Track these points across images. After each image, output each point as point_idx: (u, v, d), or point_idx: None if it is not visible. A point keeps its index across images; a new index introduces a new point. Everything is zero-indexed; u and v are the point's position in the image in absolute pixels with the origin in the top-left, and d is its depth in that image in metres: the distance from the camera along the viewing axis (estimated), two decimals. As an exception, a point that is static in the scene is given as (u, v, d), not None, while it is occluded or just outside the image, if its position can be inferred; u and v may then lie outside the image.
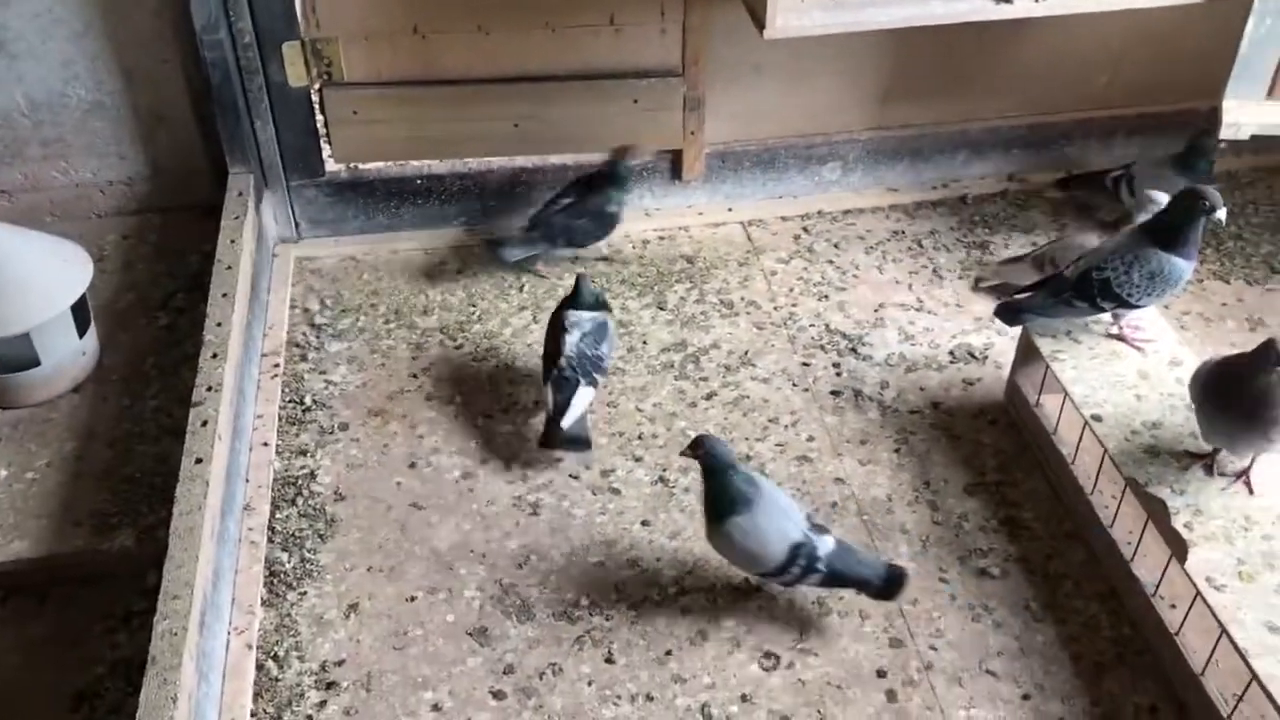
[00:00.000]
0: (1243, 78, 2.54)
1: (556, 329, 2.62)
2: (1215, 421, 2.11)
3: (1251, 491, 2.12)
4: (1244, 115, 2.58)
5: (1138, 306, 2.39)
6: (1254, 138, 2.66)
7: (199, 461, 2.20)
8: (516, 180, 3.20)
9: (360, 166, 3.18)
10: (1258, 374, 1.99)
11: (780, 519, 2.17)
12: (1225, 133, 2.58)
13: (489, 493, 2.51)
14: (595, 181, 3.01)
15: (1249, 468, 2.15)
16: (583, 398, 2.55)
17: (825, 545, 2.17)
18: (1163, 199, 2.48)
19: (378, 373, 2.80)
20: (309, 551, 2.39)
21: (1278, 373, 1.96)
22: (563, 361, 2.55)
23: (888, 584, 2.19)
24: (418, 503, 2.49)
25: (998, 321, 2.60)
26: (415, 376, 2.79)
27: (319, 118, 3.06)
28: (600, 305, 2.66)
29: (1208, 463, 2.17)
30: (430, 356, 2.84)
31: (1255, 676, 1.88)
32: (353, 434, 2.65)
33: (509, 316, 2.96)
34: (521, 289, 3.04)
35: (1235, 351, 2.12)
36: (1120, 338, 2.46)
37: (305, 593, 2.31)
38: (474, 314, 2.97)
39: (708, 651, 2.20)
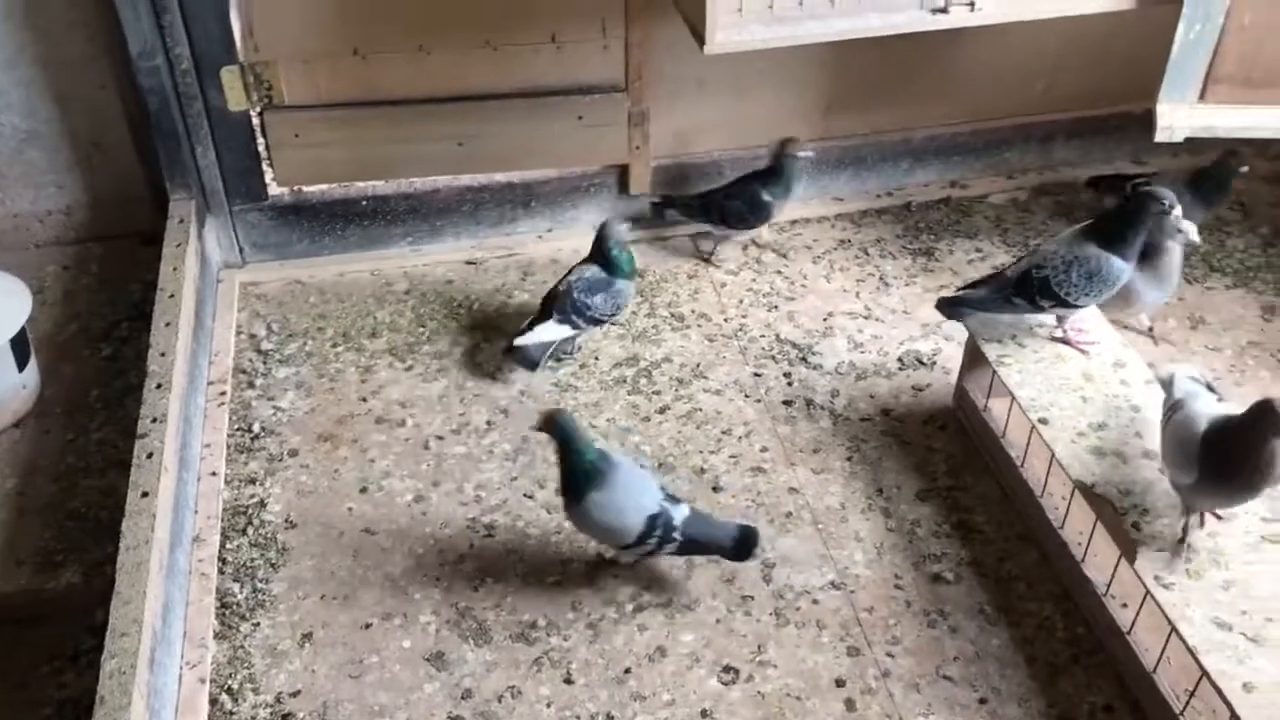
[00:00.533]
0: (1175, 82, 2.58)
1: (567, 272, 2.84)
2: (1209, 490, 2.00)
3: (1220, 518, 2.09)
4: (1177, 118, 2.62)
5: (1076, 306, 2.42)
6: (1188, 140, 2.71)
7: (145, 495, 2.17)
8: (463, 199, 3.19)
9: (304, 189, 3.16)
10: (1262, 441, 1.88)
11: (636, 492, 2.23)
12: (1159, 136, 2.62)
13: (442, 515, 2.49)
14: (763, 172, 3.11)
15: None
16: (549, 329, 2.74)
17: (680, 513, 2.24)
18: (1191, 229, 2.49)
19: (326, 397, 2.77)
20: (261, 581, 2.35)
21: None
22: (551, 292, 2.80)
23: (740, 544, 2.27)
24: (370, 528, 2.47)
25: (944, 327, 2.62)
26: (365, 400, 2.77)
27: (260, 141, 3.03)
28: (612, 265, 2.80)
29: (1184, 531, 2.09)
30: (379, 379, 2.82)
31: (1205, 672, 1.90)
32: (302, 460, 2.62)
33: (458, 336, 2.94)
34: (470, 308, 3.03)
35: (1219, 412, 2.03)
36: (1065, 341, 2.49)
37: (258, 623, 2.28)
38: (423, 335, 2.95)
39: (667, 668, 2.20)
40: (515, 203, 3.22)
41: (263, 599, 2.32)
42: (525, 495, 2.53)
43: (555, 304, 2.78)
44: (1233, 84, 2.59)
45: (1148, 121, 2.64)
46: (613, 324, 2.93)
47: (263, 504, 2.52)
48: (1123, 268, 2.37)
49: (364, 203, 3.15)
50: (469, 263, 3.18)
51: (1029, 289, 2.41)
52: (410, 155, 3.09)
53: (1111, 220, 2.40)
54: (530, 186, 3.21)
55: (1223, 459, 1.94)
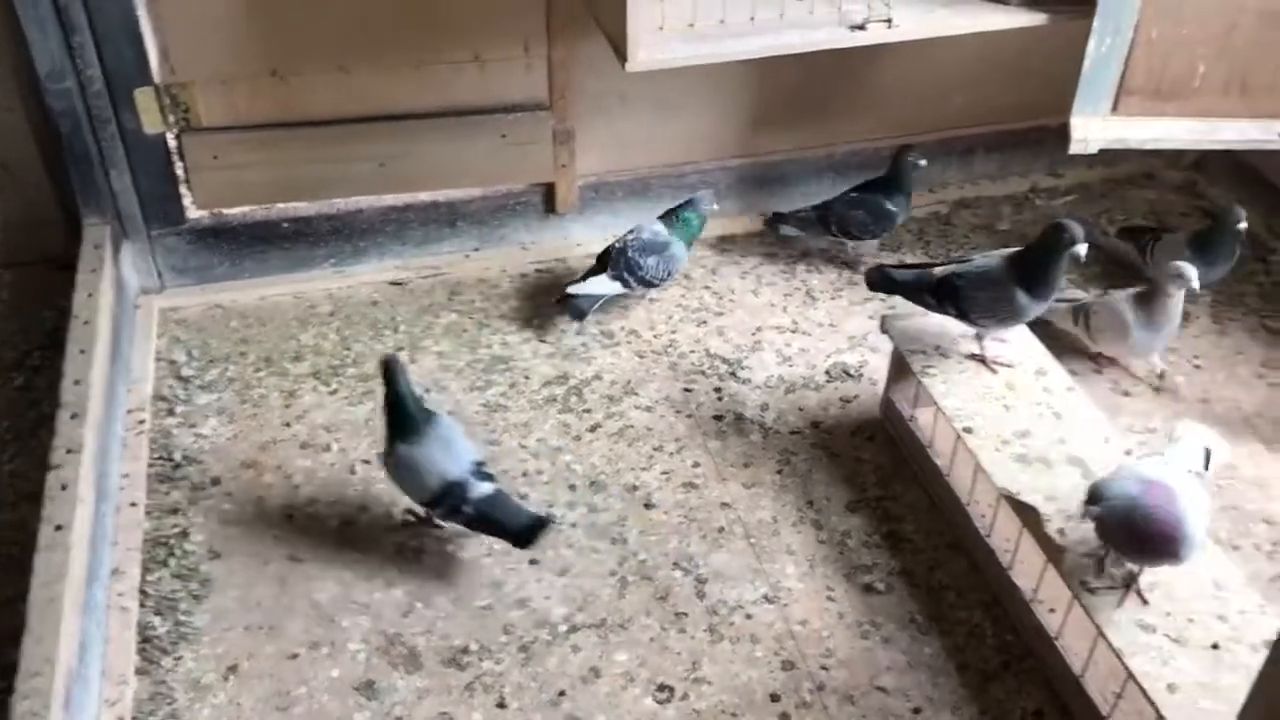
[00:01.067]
0: (1088, 95, 2.64)
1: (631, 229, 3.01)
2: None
3: (1145, 602, 2.03)
4: (1091, 131, 2.68)
5: (976, 325, 2.46)
6: (1102, 152, 2.77)
7: (59, 528, 2.10)
8: (387, 219, 3.15)
9: (224, 212, 3.10)
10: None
11: (443, 456, 2.30)
12: (1074, 148, 2.67)
13: (370, 541, 2.45)
14: (881, 180, 3.14)
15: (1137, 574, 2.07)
16: (601, 283, 2.91)
17: (480, 489, 2.30)
18: (1190, 273, 2.56)
19: (249, 423, 2.72)
20: (184, 614, 2.29)
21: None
22: (609, 247, 2.96)
23: (524, 531, 2.30)
24: (296, 555, 2.42)
25: (870, 339, 2.63)
26: (288, 425, 2.71)
27: (178, 164, 2.97)
28: (677, 225, 2.97)
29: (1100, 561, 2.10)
30: (304, 404, 2.77)
31: (1131, 674, 1.93)
32: (226, 488, 2.56)
33: (385, 358, 2.90)
34: (396, 329, 2.99)
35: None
36: (979, 358, 2.51)
37: (181, 657, 2.22)
38: (348, 357, 2.90)
39: (601, 688, 2.18)
40: (440, 222, 3.19)
41: (186, 632, 2.26)
42: (455, 518, 2.50)
43: (610, 260, 2.93)
44: (1143, 96, 2.66)
45: (1063, 134, 2.69)
46: (665, 288, 3.06)
47: (185, 534, 2.45)
48: (1026, 303, 2.40)
49: (285, 225, 3.10)
50: (394, 283, 3.15)
51: (942, 291, 2.45)
52: (333, 176, 3.05)
53: (1027, 253, 2.44)
54: (455, 206, 3.18)
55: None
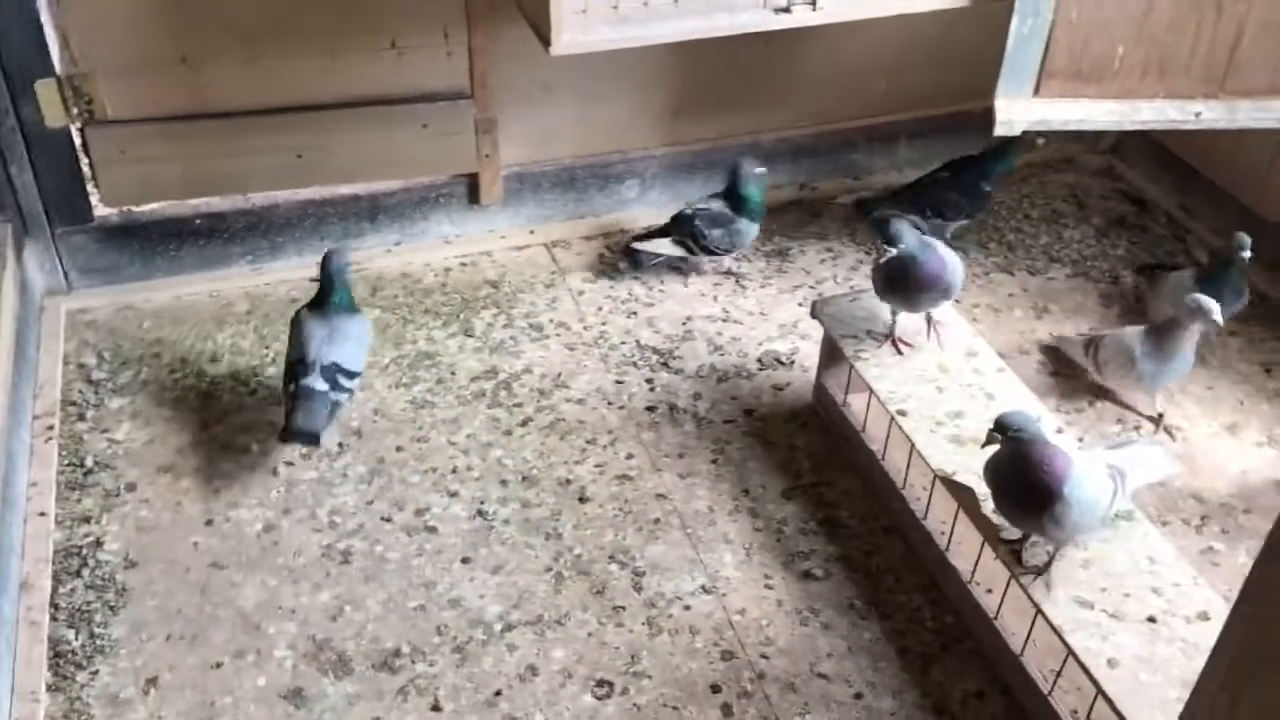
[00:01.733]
0: (1011, 77, 2.65)
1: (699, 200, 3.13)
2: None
3: (1047, 589, 2.02)
4: (1014, 113, 2.69)
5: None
6: (1024, 134, 2.78)
7: (-39, 540, 1.99)
8: (304, 214, 3.06)
9: (133, 209, 2.98)
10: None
11: (321, 338, 2.46)
12: (998, 130, 2.68)
13: (295, 544, 2.37)
14: (975, 159, 3.13)
15: (1049, 563, 2.05)
16: (665, 245, 3.06)
17: (311, 381, 2.41)
18: (1210, 305, 2.48)
19: (165, 427, 2.61)
20: (99, 626, 2.19)
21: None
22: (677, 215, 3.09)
23: (294, 432, 2.40)
24: (218, 562, 2.33)
25: (801, 326, 2.61)
26: (207, 427, 2.62)
27: (83, 159, 2.85)
28: (740, 202, 3.03)
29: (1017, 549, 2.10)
30: (222, 405, 2.67)
31: (1070, 651, 1.93)
32: (141, 494, 2.46)
33: (306, 356, 2.81)
34: (318, 327, 2.90)
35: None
36: (890, 338, 2.50)
37: (97, 671, 2.12)
38: (267, 356, 2.81)
39: (539, 687, 2.13)
40: (361, 216, 3.11)
41: (101, 645, 2.16)
42: (383, 518, 2.43)
43: (676, 226, 3.05)
44: (1065, 78, 2.67)
45: (987, 120, 2.70)
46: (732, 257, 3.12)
47: (99, 543, 2.35)
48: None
49: (199, 221, 3.00)
50: (314, 280, 3.03)
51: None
52: (247, 169, 2.95)
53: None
54: (376, 198, 3.10)
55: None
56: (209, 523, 2.41)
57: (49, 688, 2.08)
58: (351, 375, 2.49)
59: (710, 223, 2.99)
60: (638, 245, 3.08)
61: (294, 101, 2.88)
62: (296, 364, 2.45)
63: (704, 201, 3.07)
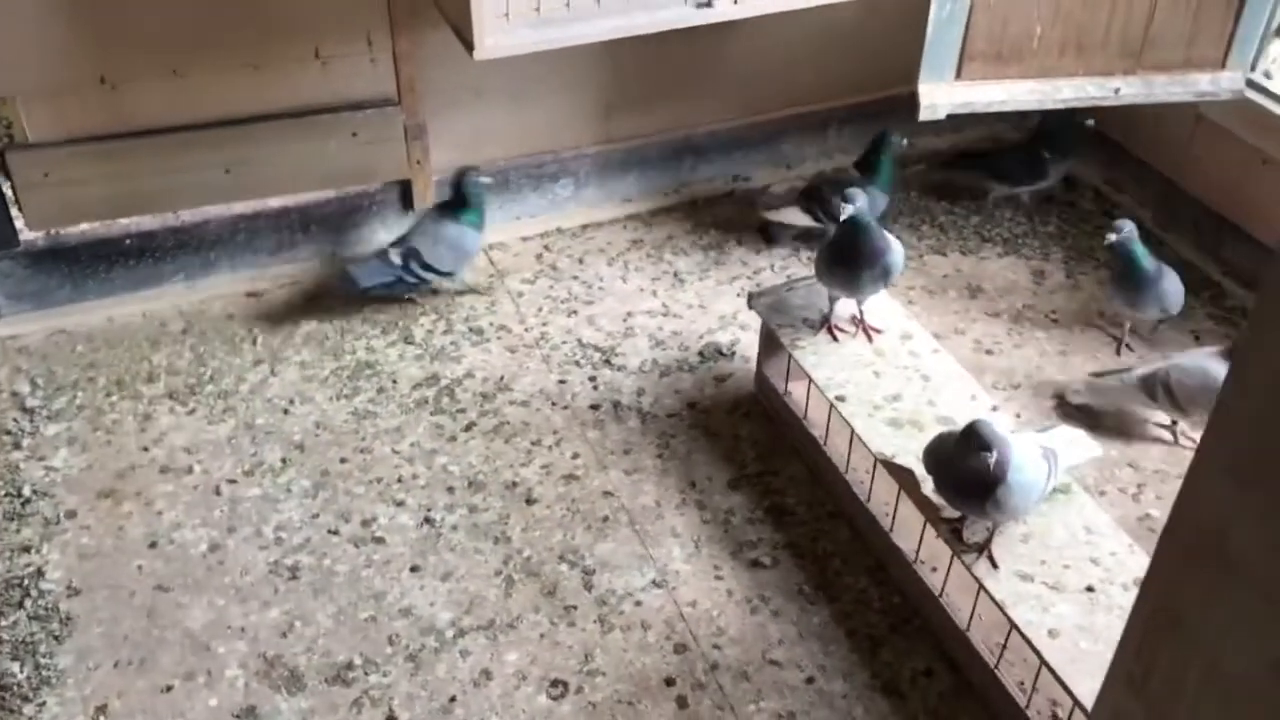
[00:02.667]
0: (932, 62, 2.69)
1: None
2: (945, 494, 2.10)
3: (995, 566, 2.06)
4: (938, 97, 2.73)
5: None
6: (951, 117, 2.82)
7: (-104, 578, 1.96)
8: (236, 228, 3.03)
9: (60, 232, 2.93)
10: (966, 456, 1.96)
11: (418, 229, 2.95)
12: (923, 115, 2.72)
13: (241, 562, 2.35)
14: (1040, 134, 3.32)
15: (989, 540, 2.09)
16: (795, 214, 3.17)
17: (388, 253, 2.91)
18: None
19: (103, 450, 2.58)
20: (44, 657, 2.17)
21: (982, 456, 1.93)
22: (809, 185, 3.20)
23: (346, 280, 2.93)
24: (164, 584, 2.31)
25: (740, 317, 2.62)
26: (146, 449, 2.59)
27: (5, 184, 2.80)
28: (877, 174, 3.11)
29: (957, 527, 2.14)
30: (161, 426, 2.65)
31: (1013, 625, 1.97)
32: (82, 521, 2.43)
33: (243, 373, 2.79)
34: (254, 341, 2.88)
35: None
36: (827, 324, 2.53)
37: (44, 703, 2.09)
38: (205, 374, 2.78)
39: (493, 691, 2.13)
40: (294, 228, 3.09)
41: (48, 676, 2.14)
42: (330, 531, 2.42)
43: (807, 195, 3.16)
44: (985, 60, 2.72)
45: (913, 103, 2.73)
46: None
47: (40, 573, 2.32)
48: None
49: (128, 241, 2.96)
50: (249, 295, 3.03)
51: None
52: (175, 186, 2.92)
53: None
54: (308, 210, 3.08)
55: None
56: (153, 545, 2.38)
57: (-5, 722, 2.05)
58: (428, 268, 2.90)
59: (845, 198, 2.93)
60: (771, 216, 3.18)
61: (219, 116, 2.85)
62: (393, 241, 2.95)
63: (841, 176, 3.15)
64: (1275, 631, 0.72)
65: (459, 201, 2.94)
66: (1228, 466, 0.74)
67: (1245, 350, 0.73)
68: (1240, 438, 0.72)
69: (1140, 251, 2.74)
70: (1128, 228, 2.72)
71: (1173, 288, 2.78)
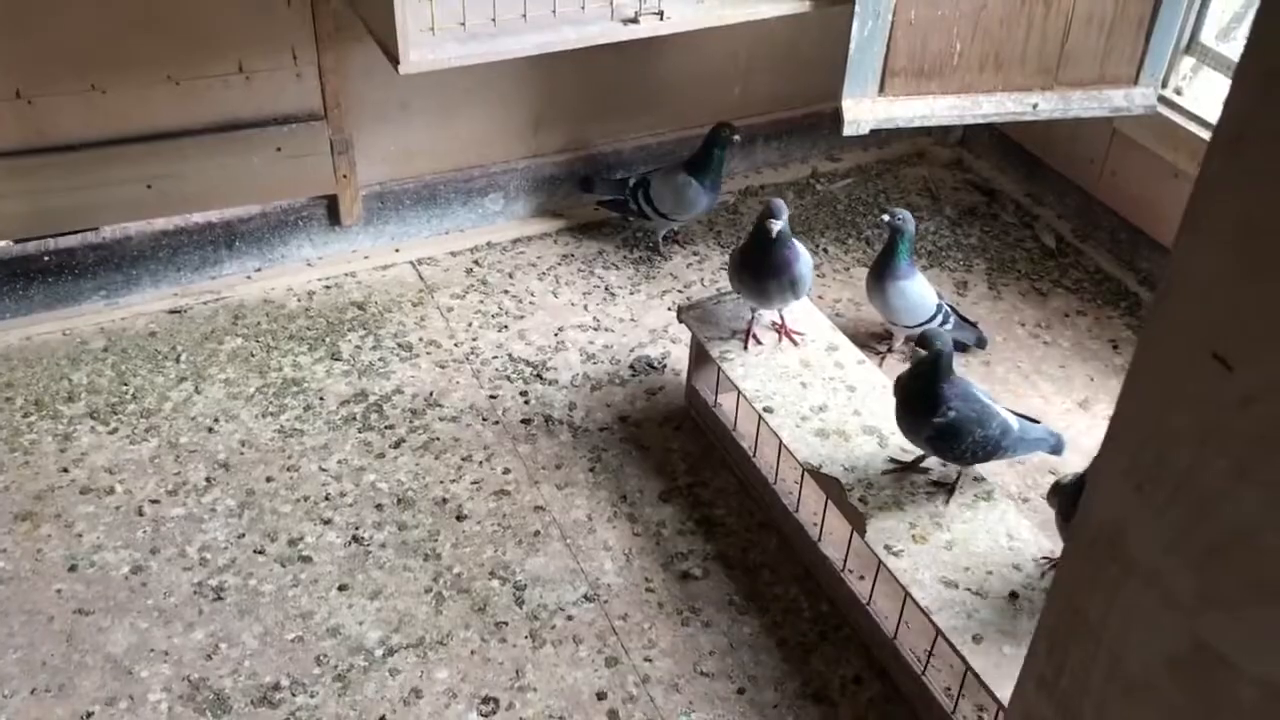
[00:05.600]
0: (855, 78, 2.73)
1: None
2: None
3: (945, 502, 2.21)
4: (861, 113, 2.78)
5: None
6: (874, 132, 2.87)
7: None
8: (158, 244, 2.98)
9: (-26, 249, 2.87)
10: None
11: (659, 171, 3.18)
12: (847, 130, 2.76)
13: (165, 584, 2.31)
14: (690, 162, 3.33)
15: (957, 479, 2.23)
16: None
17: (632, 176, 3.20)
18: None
19: (21, 472, 2.52)
20: (-43, 685, 2.11)
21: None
22: None
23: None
24: (84, 608, 2.26)
25: (671, 330, 2.64)
26: (66, 470, 2.53)
27: (-84, 200, 2.74)
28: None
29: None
30: (81, 446, 2.59)
31: (939, 631, 2.00)
32: (-2, 545, 2.37)
33: (167, 391, 2.74)
34: (178, 359, 2.83)
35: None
36: (746, 334, 2.56)
37: (-43, 733, 2.04)
38: (127, 393, 2.73)
39: (424, 709, 2.12)
40: (218, 243, 3.05)
41: (-39, 705, 2.08)
42: (255, 551, 2.38)
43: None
44: (906, 77, 2.77)
45: (837, 119, 2.78)
46: None
47: (-47, 600, 2.26)
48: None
49: (46, 258, 2.89)
50: (172, 311, 2.98)
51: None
52: (94, 202, 2.86)
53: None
54: (232, 225, 3.04)
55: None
56: (72, 569, 2.33)
57: (-94, 754, 1.99)
58: (650, 202, 3.13)
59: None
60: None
61: (140, 131, 2.81)
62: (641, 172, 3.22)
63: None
64: (1171, 628, 0.74)
65: (703, 156, 3.10)
66: (1125, 470, 0.76)
67: (1140, 353, 0.76)
68: (1134, 441, 0.75)
69: (904, 249, 2.77)
70: (904, 215, 2.74)
71: (900, 303, 2.80)
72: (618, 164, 3.44)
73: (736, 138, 3.10)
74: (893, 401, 2.24)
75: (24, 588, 2.29)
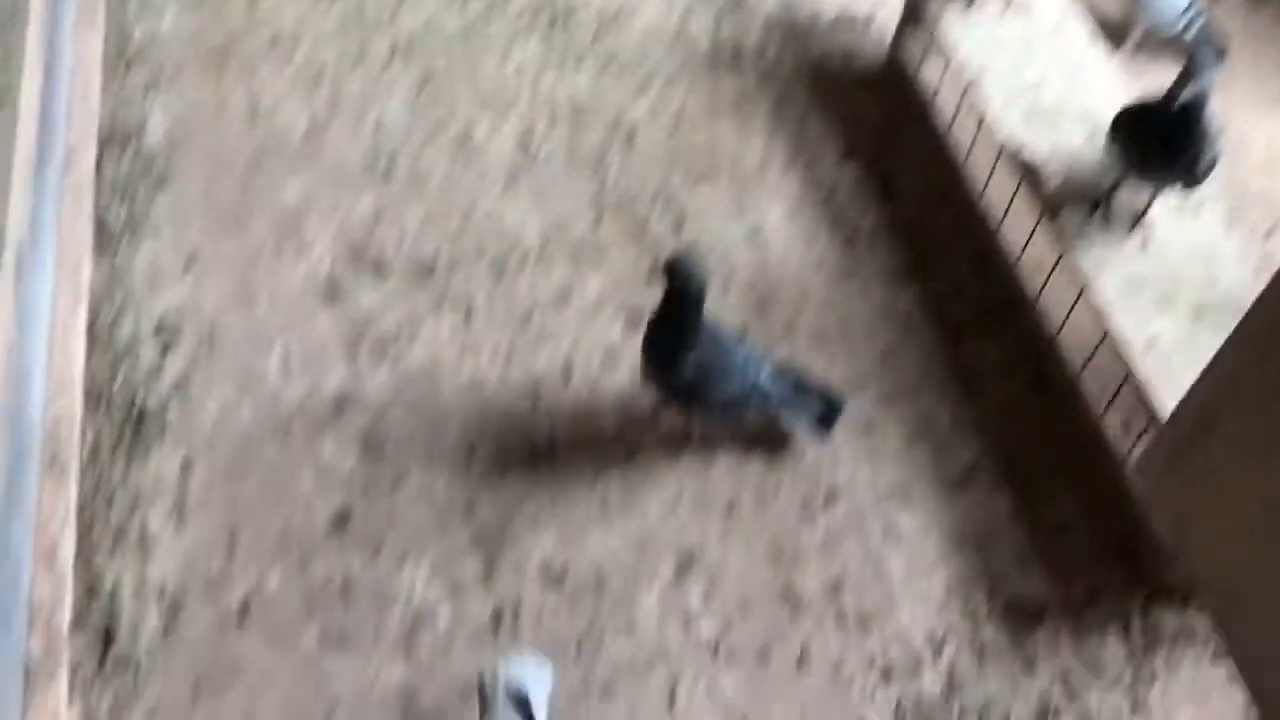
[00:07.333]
0: None
1: None
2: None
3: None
4: None
5: None
6: None
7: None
8: None
9: None
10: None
11: None
12: None
13: (339, 150, 2.33)
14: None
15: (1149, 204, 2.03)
16: None
17: None
18: None
19: (212, 17, 2.52)
20: (141, 205, 2.20)
21: None
22: None
23: None
24: (260, 157, 2.30)
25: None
26: (254, 21, 2.52)
27: None
28: None
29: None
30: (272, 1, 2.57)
31: (1107, 332, 1.90)
32: (187, 83, 2.40)
33: (359, -39, 2.67)
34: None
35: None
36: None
37: (139, 247, 2.14)
38: (320, -45, 2.67)
39: (570, 313, 2.14)
40: None
41: (142, 223, 2.18)
42: (428, 134, 2.38)
43: None
44: None
45: None
46: None
47: (143, 126, 2.32)
48: None
49: None
50: None
51: None
52: None
53: None
54: None
55: None
56: (252, 118, 2.36)
57: (93, 255, 2.10)
58: None
59: None
60: None
61: None
62: None
63: None
64: None
65: None
66: None
67: None
68: None
69: None
70: None
71: None
72: None
73: None
74: (1095, 109, 2.02)
75: (206, 128, 2.34)
